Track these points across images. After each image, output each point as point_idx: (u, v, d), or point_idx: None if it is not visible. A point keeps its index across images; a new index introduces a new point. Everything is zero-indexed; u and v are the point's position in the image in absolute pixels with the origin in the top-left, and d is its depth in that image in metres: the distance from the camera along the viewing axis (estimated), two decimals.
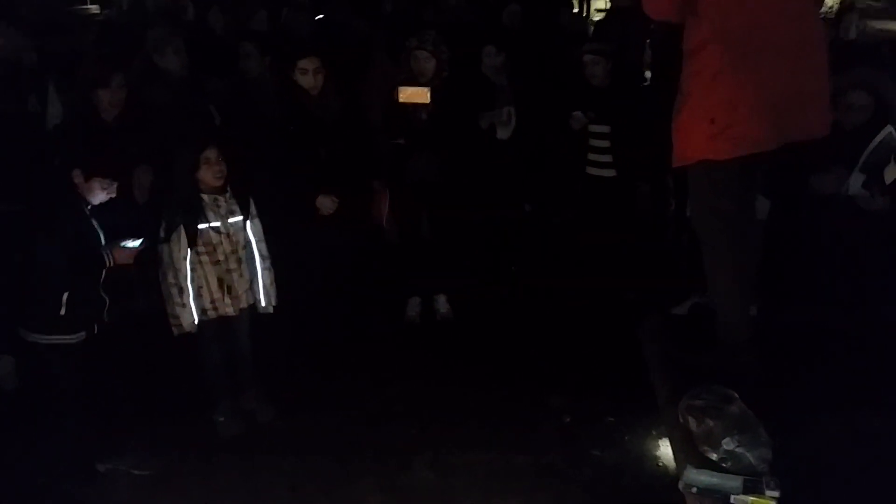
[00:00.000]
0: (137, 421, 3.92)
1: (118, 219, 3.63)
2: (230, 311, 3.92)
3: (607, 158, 5.15)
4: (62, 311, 3.43)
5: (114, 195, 3.51)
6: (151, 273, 3.87)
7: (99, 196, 3.47)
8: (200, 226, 3.76)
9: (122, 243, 3.51)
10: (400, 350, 4.83)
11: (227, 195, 3.85)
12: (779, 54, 2.96)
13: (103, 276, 3.54)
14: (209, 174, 3.75)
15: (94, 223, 3.50)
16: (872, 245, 3.75)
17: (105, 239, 3.52)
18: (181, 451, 3.87)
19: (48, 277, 3.42)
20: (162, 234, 3.74)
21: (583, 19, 7.07)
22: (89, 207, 3.48)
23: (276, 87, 5.00)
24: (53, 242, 3.38)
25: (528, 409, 4.23)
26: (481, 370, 4.55)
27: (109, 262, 3.48)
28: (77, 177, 3.43)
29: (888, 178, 3.66)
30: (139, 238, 3.55)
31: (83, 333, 3.53)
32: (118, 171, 3.56)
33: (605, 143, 5.13)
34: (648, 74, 6.09)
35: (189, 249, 3.75)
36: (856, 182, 3.77)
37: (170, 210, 3.76)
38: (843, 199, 3.79)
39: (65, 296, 3.43)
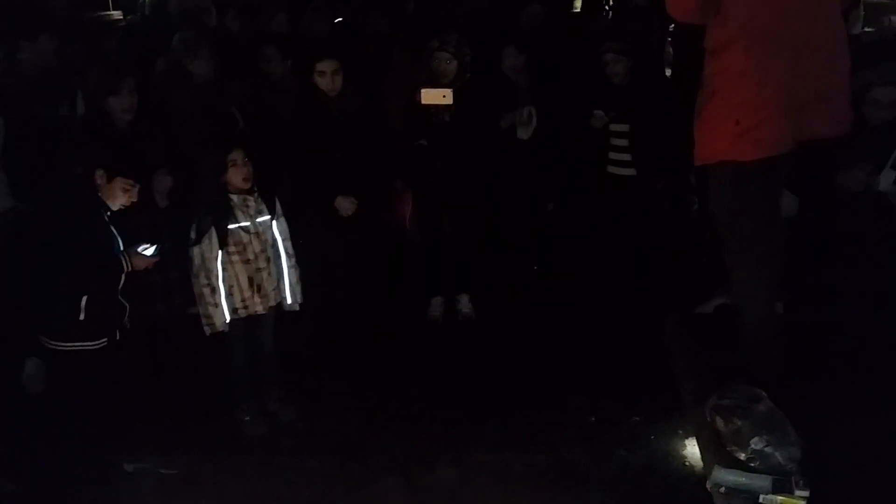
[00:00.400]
0: (163, 421, 3.95)
1: (137, 224, 3.68)
2: (260, 309, 3.96)
3: (627, 157, 5.14)
4: (81, 317, 3.46)
5: (135, 199, 3.55)
6: (171, 277, 3.91)
7: (120, 200, 3.51)
8: (231, 226, 3.80)
9: (140, 249, 3.53)
10: (421, 350, 4.82)
11: (255, 195, 3.88)
12: (802, 53, 2.95)
13: (122, 281, 3.57)
14: (237, 176, 3.79)
15: (113, 229, 3.52)
16: None
17: (123, 245, 3.54)
18: (206, 451, 3.88)
19: (65, 282, 3.45)
20: (193, 235, 3.77)
21: (604, 18, 7.03)
22: (109, 214, 3.51)
23: (297, 90, 5.03)
24: (71, 247, 3.41)
25: (550, 408, 4.21)
26: (503, 370, 4.54)
27: (127, 267, 3.51)
28: (100, 177, 3.46)
29: None
30: (156, 244, 3.58)
31: (105, 340, 3.56)
32: (135, 177, 3.59)
33: (624, 142, 5.12)
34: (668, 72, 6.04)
35: (220, 250, 3.79)
36: (887, 179, 3.73)
37: (199, 212, 3.79)
38: (872, 196, 3.75)
39: (83, 300, 3.45)
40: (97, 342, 3.53)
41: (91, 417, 3.60)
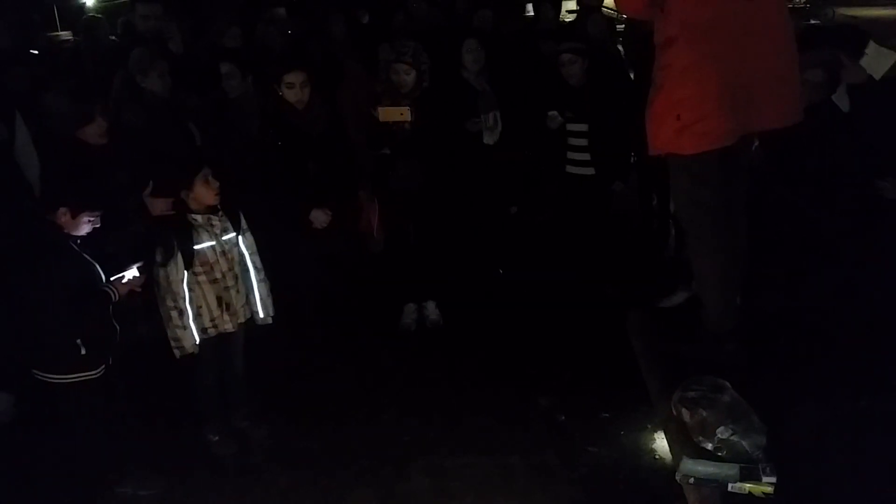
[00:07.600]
0: (138, 442, 3.90)
1: (111, 246, 3.63)
2: (229, 327, 3.91)
3: (586, 157, 5.18)
4: (83, 352, 3.42)
5: (98, 225, 3.46)
6: (151, 297, 3.82)
7: (84, 229, 3.43)
8: (197, 246, 3.74)
9: (122, 277, 3.48)
10: (390, 358, 4.82)
11: (220, 213, 3.83)
12: (744, 46, 2.99)
13: (111, 308, 3.53)
14: (208, 194, 3.74)
15: (86, 256, 3.44)
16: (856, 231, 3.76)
17: (103, 269, 3.48)
18: (181, 471, 3.84)
19: (58, 326, 3.39)
20: (158, 258, 3.70)
21: (555, 19, 7.08)
22: (78, 242, 3.43)
23: (260, 104, 4.99)
24: (55, 288, 3.34)
25: (521, 409, 4.24)
26: (472, 374, 4.56)
27: (115, 298, 3.47)
28: (63, 215, 3.37)
29: None
30: (133, 265, 3.52)
31: (103, 367, 3.53)
32: (106, 199, 3.52)
33: (583, 142, 5.16)
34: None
35: (185, 271, 3.73)
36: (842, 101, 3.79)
37: (165, 233, 3.72)
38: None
39: (79, 340, 3.41)
40: (97, 370, 3.50)
41: (81, 445, 3.56)
